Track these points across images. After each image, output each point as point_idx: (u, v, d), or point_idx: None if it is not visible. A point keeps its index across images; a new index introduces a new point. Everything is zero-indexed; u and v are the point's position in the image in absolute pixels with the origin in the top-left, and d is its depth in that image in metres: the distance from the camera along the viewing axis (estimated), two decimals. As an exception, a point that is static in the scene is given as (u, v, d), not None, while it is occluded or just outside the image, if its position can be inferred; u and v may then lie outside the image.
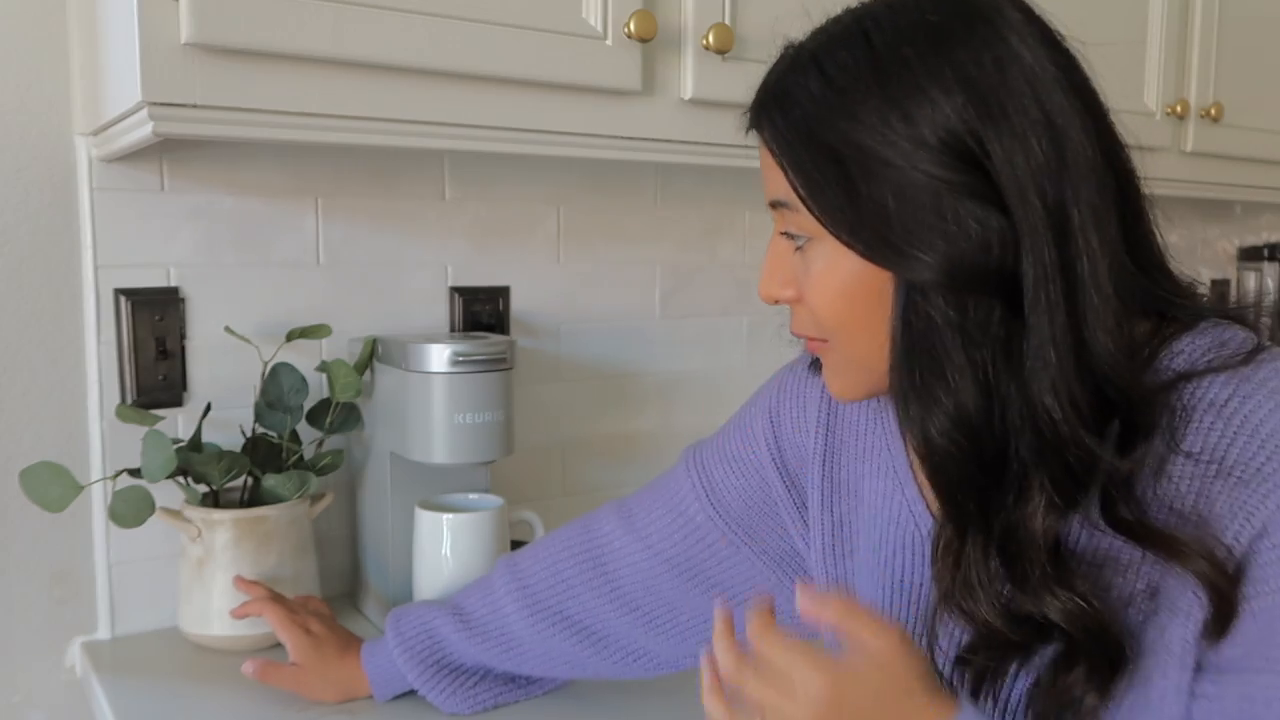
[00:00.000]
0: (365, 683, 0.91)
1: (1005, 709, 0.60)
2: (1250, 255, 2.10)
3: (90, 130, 1.02)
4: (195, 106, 0.81)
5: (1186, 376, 0.56)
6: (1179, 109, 1.51)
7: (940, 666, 0.63)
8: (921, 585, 0.67)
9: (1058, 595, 0.55)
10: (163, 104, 0.80)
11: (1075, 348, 0.54)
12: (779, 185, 0.60)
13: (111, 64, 0.89)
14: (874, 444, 0.73)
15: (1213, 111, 1.55)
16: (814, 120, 0.57)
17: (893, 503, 0.70)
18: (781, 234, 0.62)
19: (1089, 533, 0.57)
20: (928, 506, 0.67)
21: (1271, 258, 2.06)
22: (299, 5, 0.83)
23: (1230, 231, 2.16)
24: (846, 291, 0.59)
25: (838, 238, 0.58)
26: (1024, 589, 0.56)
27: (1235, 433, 0.54)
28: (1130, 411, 0.55)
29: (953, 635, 0.62)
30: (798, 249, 0.61)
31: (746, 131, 0.64)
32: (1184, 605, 0.54)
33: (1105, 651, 0.55)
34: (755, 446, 0.81)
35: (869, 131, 0.56)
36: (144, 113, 0.80)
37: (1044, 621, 0.55)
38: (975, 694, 0.60)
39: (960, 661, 0.61)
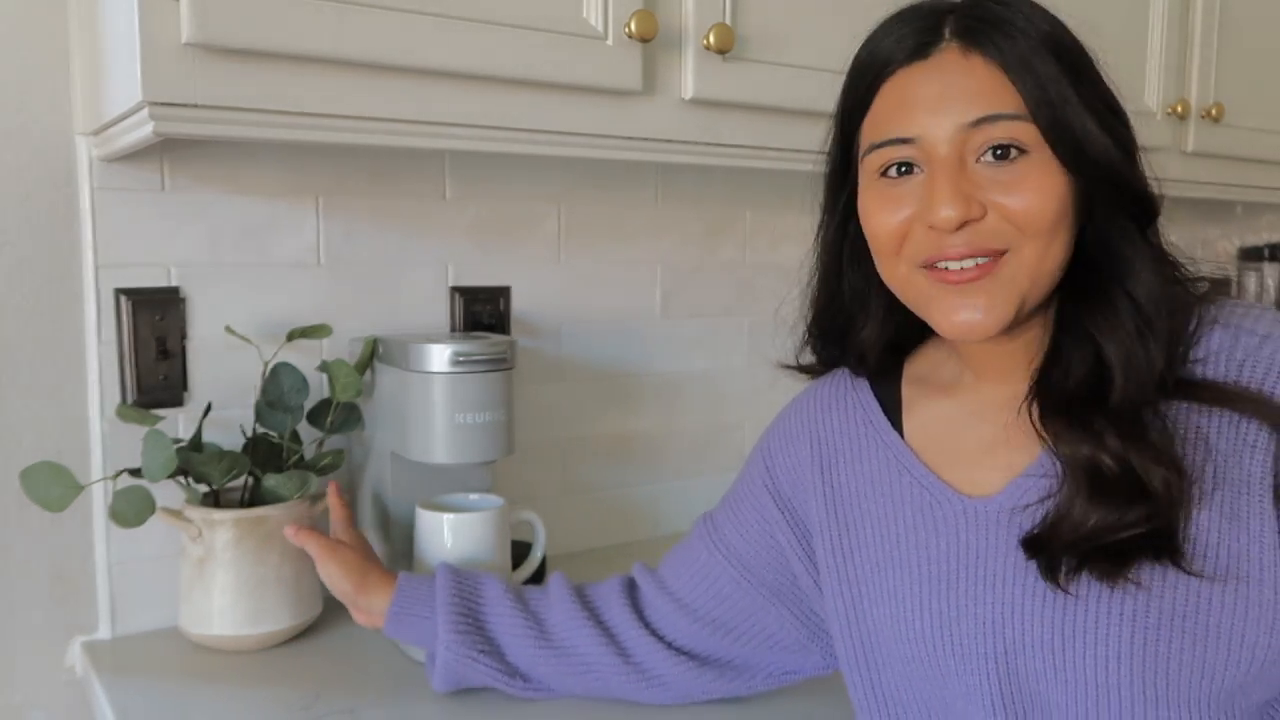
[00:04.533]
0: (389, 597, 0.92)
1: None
2: (1250, 255, 2.10)
3: (91, 130, 1.02)
4: (196, 106, 0.81)
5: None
6: (1179, 109, 1.51)
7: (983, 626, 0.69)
8: (941, 554, 0.72)
9: (1146, 444, 0.64)
10: (163, 104, 0.80)
11: (1163, 266, 0.69)
12: (1001, 100, 0.65)
13: (112, 64, 0.89)
14: (867, 444, 0.80)
15: (1213, 111, 1.55)
16: (1050, 42, 0.66)
17: (900, 484, 0.76)
18: (992, 148, 0.66)
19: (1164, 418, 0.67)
20: (939, 477, 0.75)
21: (1272, 258, 2.06)
22: (299, 5, 0.83)
23: (1231, 232, 2.16)
24: (1059, 196, 0.66)
25: (1068, 148, 0.65)
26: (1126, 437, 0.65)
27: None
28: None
29: (996, 593, 0.69)
30: (1005, 162, 0.66)
31: (962, 47, 0.68)
32: (1254, 440, 0.65)
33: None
34: (753, 486, 0.88)
35: (1089, 62, 0.67)
36: (145, 113, 0.81)
37: (1136, 476, 0.63)
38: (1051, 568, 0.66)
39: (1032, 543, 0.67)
